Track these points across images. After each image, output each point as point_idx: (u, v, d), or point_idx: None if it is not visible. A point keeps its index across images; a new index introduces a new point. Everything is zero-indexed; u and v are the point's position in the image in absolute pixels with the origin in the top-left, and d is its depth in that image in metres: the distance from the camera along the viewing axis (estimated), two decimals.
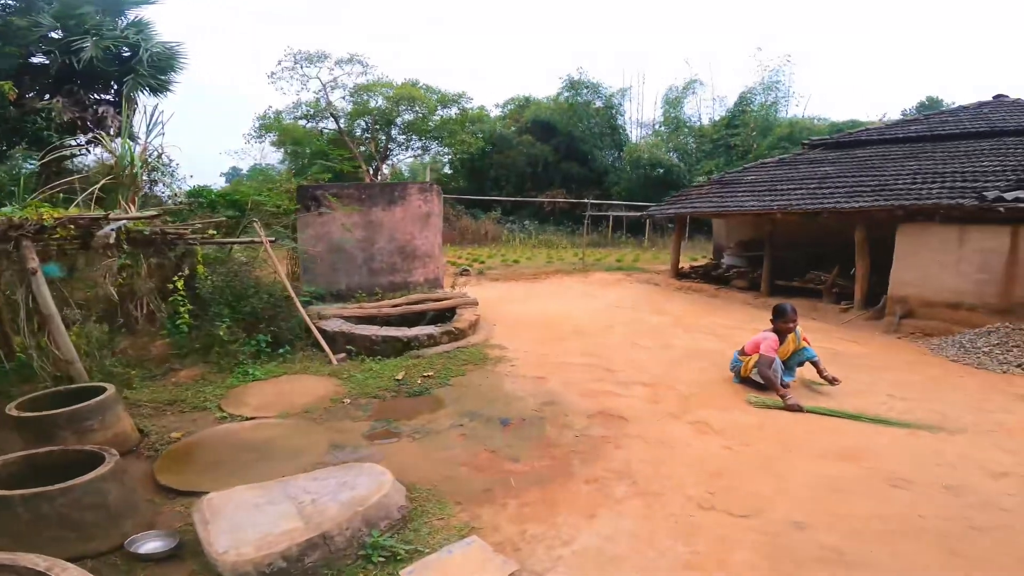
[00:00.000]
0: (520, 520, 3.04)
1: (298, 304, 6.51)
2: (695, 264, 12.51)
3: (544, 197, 24.26)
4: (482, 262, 14.91)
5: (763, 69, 26.10)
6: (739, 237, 11.72)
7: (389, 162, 26.29)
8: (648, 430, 4.19)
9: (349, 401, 5.02)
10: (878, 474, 3.46)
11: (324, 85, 23.73)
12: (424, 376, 5.58)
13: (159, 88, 12.42)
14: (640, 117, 34.86)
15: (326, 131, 24.87)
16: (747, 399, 4.87)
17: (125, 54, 11.99)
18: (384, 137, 25.27)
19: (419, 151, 27.37)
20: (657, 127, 28.64)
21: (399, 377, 5.55)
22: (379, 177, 23.72)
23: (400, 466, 3.60)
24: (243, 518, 2.71)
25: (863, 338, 7.30)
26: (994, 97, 11.33)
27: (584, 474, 3.52)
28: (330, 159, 20.66)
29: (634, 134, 29.22)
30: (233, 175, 28.84)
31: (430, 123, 25.21)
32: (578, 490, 3.34)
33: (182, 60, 12.61)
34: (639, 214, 19.16)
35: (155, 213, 5.94)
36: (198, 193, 7.93)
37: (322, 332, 6.38)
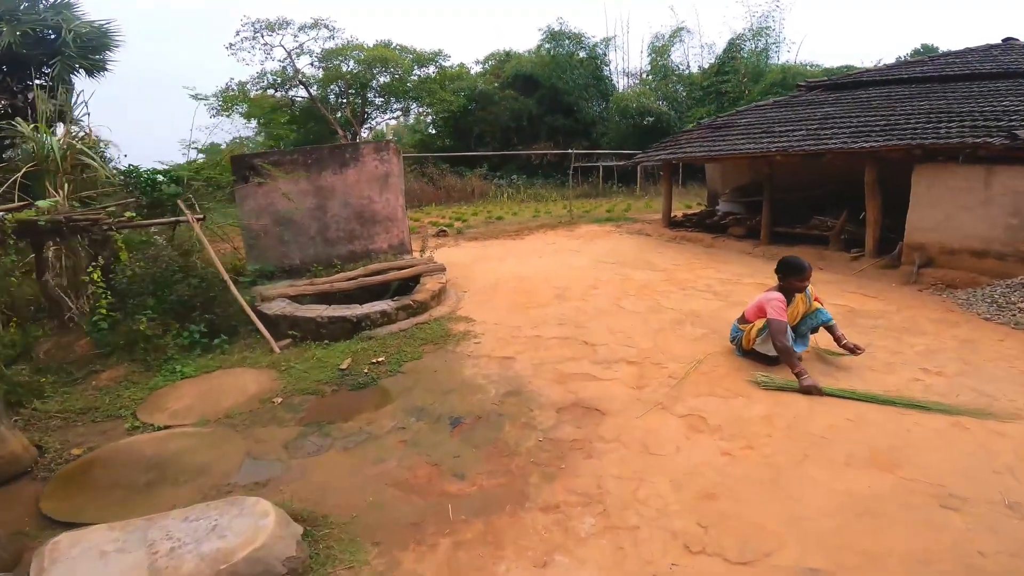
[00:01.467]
0: (450, 570, 2.18)
1: (231, 287, 5.54)
2: (689, 212, 11.41)
3: (530, 150, 22.91)
4: (464, 220, 13.81)
5: (751, 15, 24.21)
6: (735, 183, 10.60)
7: (368, 126, 24.72)
8: (628, 429, 3.27)
9: (281, 400, 4.18)
10: (921, 488, 2.57)
11: (289, 52, 22.01)
12: (373, 363, 4.70)
13: (94, 68, 11.64)
14: (627, 67, 32.95)
15: (297, 99, 23.28)
16: (754, 379, 3.92)
17: (51, 37, 11.05)
18: (360, 101, 23.66)
19: (399, 113, 25.81)
20: (645, 76, 26.85)
21: (344, 366, 4.68)
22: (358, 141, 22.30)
23: (319, 489, 2.85)
24: (83, 570, 2.11)
25: (880, 291, 6.30)
26: (1003, 40, 10.10)
27: (542, 498, 2.62)
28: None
29: (621, 84, 27.48)
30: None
31: (408, 84, 23.59)
32: (532, 523, 2.45)
33: (117, 37, 11.82)
34: (628, 163, 17.92)
35: (53, 202, 4.99)
36: (128, 173, 6.84)
37: (263, 316, 5.46)
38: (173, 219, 5.93)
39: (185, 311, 5.52)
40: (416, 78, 23.90)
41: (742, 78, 22.55)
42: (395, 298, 5.71)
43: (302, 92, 23.01)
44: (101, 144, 7.56)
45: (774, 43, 24.06)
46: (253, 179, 6.77)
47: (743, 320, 4.35)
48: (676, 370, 4.21)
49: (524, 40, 65.10)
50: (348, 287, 6.18)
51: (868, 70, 11.16)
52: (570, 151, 14.97)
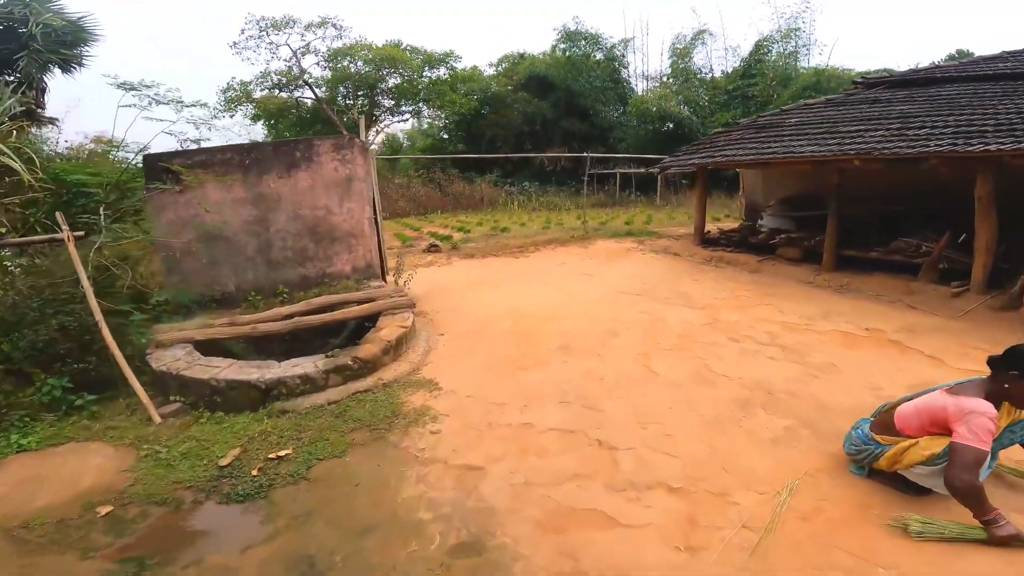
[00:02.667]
0: None
1: (103, 328, 3.83)
2: (725, 228, 9.46)
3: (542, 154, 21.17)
4: (467, 231, 12.05)
5: (779, 16, 22.14)
6: (781, 193, 8.67)
7: (375, 128, 23.16)
8: None
9: (110, 510, 2.62)
10: None
11: (295, 52, 20.57)
12: (271, 458, 3.00)
13: (69, 63, 10.71)
14: (646, 70, 30.93)
15: (302, 100, 21.86)
16: (900, 522, 2.19)
17: (22, 31, 9.97)
18: (367, 102, 22.13)
19: (408, 116, 24.24)
20: (665, 79, 24.83)
21: (225, 461, 3.00)
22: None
23: None
24: None
25: (1006, 341, 4.36)
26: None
27: None
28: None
29: (640, 88, 25.53)
30: None
31: (418, 86, 22.01)
32: None
33: (96, 32, 10.88)
34: (648, 169, 16.03)
35: None
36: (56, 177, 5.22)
37: (148, 370, 3.78)
38: (42, 237, 4.26)
39: (48, 359, 3.91)
40: (427, 80, 22.32)
41: (770, 81, 20.48)
42: (329, 354, 3.94)
43: (309, 93, 21.59)
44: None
45: (804, 45, 21.98)
46: (172, 185, 5.10)
47: (885, 428, 2.50)
48: (752, 506, 2.41)
49: (539, 41, 63.22)
50: (278, 329, 4.45)
51: (939, 66, 9.14)
52: (585, 155, 13.03)
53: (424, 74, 22.26)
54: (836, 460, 2.78)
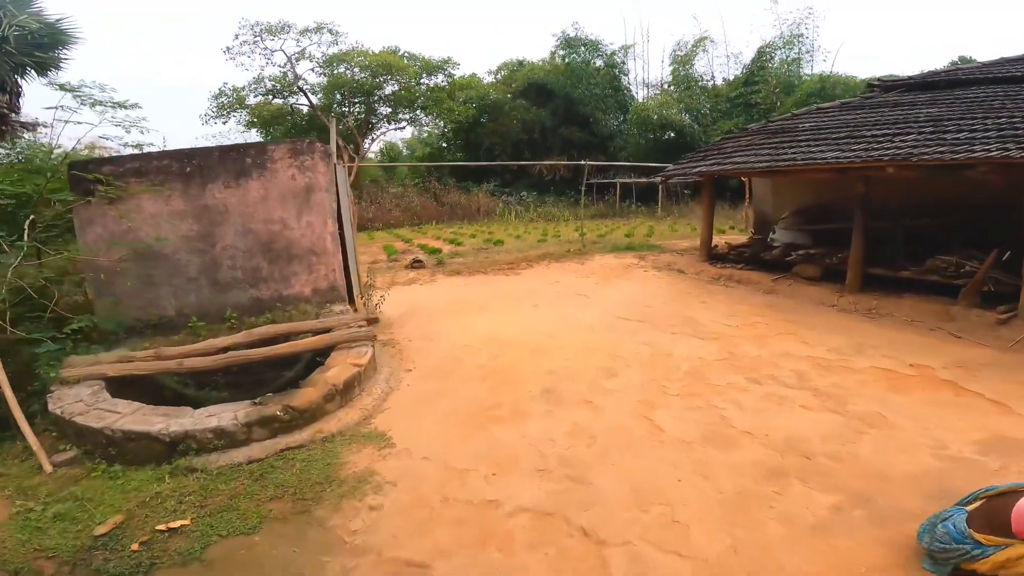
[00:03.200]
0: None
1: None
2: (733, 243, 8.67)
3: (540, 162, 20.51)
4: (459, 243, 11.32)
5: (781, 23, 21.56)
6: (796, 203, 7.90)
7: (371, 136, 22.54)
8: None
9: None
10: None
11: (289, 57, 20.00)
12: (162, 529, 2.29)
13: (45, 66, 9.97)
14: (647, 77, 30.28)
15: (297, 106, 21.28)
16: None
17: None
18: (364, 109, 21.54)
19: (407, 124, 23.65)
20: (666, 87, 24.19)
21: (102, 531, 2.39)
22: (359, 154, 20.10)
23: None
24: None
25: None
26: None
27: None
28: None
29: (640, 95, 24.90)
30: None
31: (415, 93, 21.43)
32: None
33: (75, 35, 10.10)
34: (651, 179, 15.32)
35: None
36: None
37: (40, 415, 3.05)
38: None
39: None
40: (424, 87, 21.75)
41: (773, 88, 19.84)
42: (257, 401, 3.17)
43: (304, 100, 21.00)
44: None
45: (807, 52, 21.31)
46: (100, 196, 4.38)
47: (990, 524, 1.76)
48: None
49: (538, 48, 62.58)
50: (208, 365, 3.69)
51: (959, 67, 8.37)
52: (584, 163, 12.28)
53: (421, 81, 21.70)
54: (902, 552, 2.03)
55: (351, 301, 5.43)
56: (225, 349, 3.89)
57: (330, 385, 3.40)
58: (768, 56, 21.45)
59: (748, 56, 22.60)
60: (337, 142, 5.60)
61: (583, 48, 22.66)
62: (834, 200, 7.34)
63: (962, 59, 21.50)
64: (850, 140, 6.20)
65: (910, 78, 8.48)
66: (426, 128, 25.06)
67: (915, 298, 5.53)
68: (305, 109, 21.47)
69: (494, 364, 4.30)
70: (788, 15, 32.93)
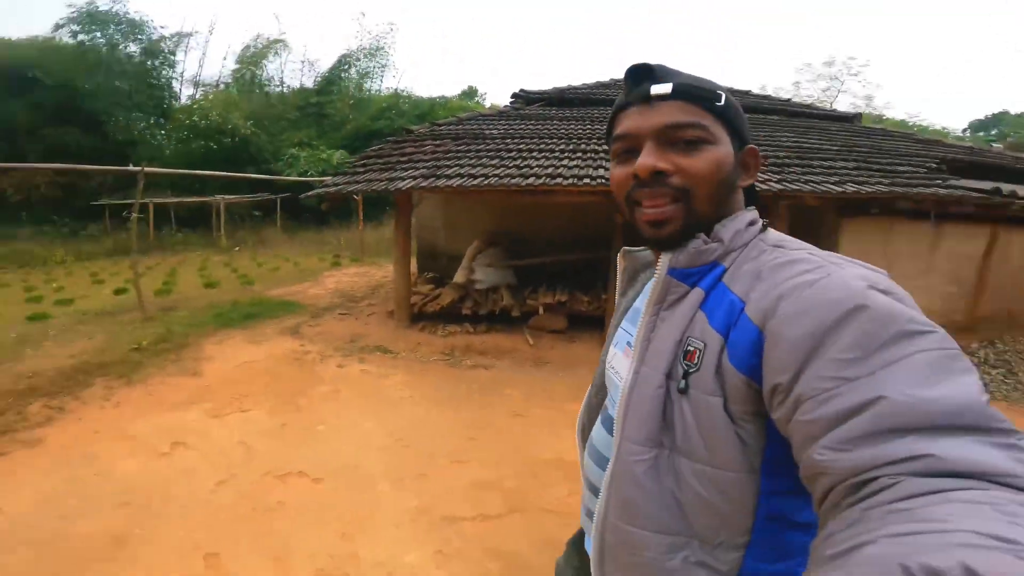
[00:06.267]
0: None
1: None
2: (424, 291, 5.73)
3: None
4: None
5: (364, 34, 20.68)
6: (482, 232, 6.05)
7: None
8: None
9: None
10: None
11: None
12: None
13: None
14: (200, 74, 23.47)
15: None
16: None
17: None
18: None
19: None
20: (224, 87, 18.97)
21: None
22: None
23: None
24: None
25: None
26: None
27: None
28: None
29: (185, 95, 18.77)
30: None
31: None
32: None
33: None
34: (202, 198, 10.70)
35: None
36: None
37: None
38: None
39: None
40: None
41: (348, 100, 18.38)
42: None
43: None
44: None
45: (381, 66, 20.76)
46: None
47: None
48: None
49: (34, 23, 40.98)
50: None
51: (576, 87, 8.50)
52: (139, 168, 6.35)
53: None
54: None
55: None
56: None
57: None
58: (347, 66, 19.83)
59: (326, 64, 20.54)
60: None
61: (114, 28, 15.49)
62: (530, 227, 5.96)
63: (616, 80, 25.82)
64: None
65: (551, 91, 7.96)
66: None
67: None
68: None
69: None
70: (373, 27, 32.43)
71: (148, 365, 3.85)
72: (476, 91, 25.39)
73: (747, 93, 8.45)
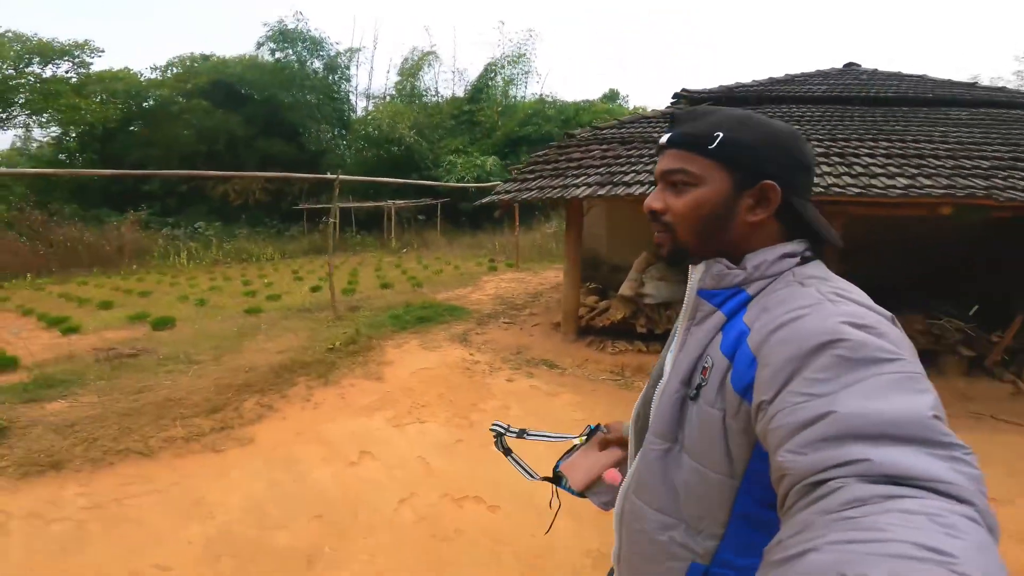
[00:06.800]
0: None
1: None
2: (591, 303, 5.22)
3: (222, 180, 14.78)
4: (72, 329, 5.46)
5: (506, 43, 21.23)
6: (638, 243, 5.59)
7: None
8: None
9: None
10: None
11: None
12: None
13: None
14: (370, 87, 26.61)
15: None
16: None
17: None
18: None
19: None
20: (390, 99, 20.99)
21: None
22: None
23: None
24: None
25: None
26: (845, 65, 8.69)
27: None
28: None
29: (360, 107, 21.16)
30: None
31: (13, 84, 13.30)
32: None
33: None
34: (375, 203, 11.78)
35: None
36: None
37: None
38: None
39: None
40: (32, 78, 13.57)
41: (496, 108, 19.02)
42: None
43: None
44: None
45: (525, 72, 21.05)
46: None
47: None
48: None
49: (238, 44, 50.72)
50: None
51: (751, 85, 7.63)
52: (336, 176, 7.29)
53: (29, 68, 13.58)
54: None
55: None
56: None
57: None
58: (493, 74, 20.55)
59: (473, 73, 21.39)
60: None
61: (301, 45, 17.76)
62: None
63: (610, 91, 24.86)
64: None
65: (712, 91, 7.25)
66: (44, 137, 16.08)
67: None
68: None
69: None
70: (514, 35, 33.63)
71: (340, 366, 4.16)
72: (618, 93, 24.56)
73: (973, 86, 7.43)
